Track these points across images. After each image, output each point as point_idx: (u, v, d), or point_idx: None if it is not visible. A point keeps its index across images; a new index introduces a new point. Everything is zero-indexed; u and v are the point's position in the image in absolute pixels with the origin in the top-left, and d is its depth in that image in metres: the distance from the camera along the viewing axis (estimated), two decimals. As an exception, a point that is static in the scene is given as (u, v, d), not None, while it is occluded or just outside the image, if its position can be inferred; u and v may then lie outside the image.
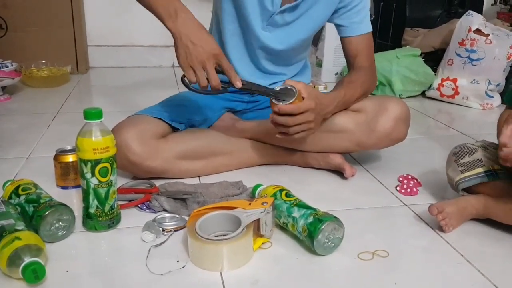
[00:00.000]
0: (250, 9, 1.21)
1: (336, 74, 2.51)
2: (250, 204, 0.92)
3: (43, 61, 2.33)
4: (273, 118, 1.08)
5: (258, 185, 1.07)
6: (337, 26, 1.29)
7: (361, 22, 1.27)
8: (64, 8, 2.42)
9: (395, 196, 1.18)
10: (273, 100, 1.06)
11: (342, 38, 1.30)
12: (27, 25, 2.38)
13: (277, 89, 1.07)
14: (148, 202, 1.07)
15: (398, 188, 1.21)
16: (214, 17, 1.35)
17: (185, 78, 1.07)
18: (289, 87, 1.06)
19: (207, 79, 1.04)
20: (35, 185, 1.02)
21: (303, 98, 1.06)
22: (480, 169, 1.04)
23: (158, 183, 1.15)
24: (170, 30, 1.05)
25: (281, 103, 1.05)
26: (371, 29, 1.29)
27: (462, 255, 0.92)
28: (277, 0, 1.20)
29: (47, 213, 0.90)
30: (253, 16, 1.22)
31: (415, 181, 1.23)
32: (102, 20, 2.64)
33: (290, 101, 1.05)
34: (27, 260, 0.77)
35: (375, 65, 1.33)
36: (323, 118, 1.16)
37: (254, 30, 1.24)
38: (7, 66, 2.00)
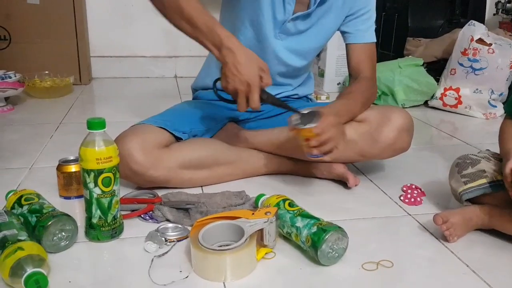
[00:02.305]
0: (266, 16, 1.22)
1: (339, 84, 2.51)
2: (253, 214, 0.92)
3: (46, 72, 2.34)
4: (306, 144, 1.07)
5: (261, 195, 1.07)
6: (343, 33, 1.31)
7: (366, 31, 1.30)
8: (67, 19, 2.43)
9: (399, 206, 1.18)
10: (297, 123, 1.07)
11: (346, 46, 1.32)
12: (30, 36, 2.40)
13: (305, 112, 1.08)
14: (150, 212, 1.07)
15: (402, 198, 1.20)
16: (226, 26, 1.34)
17: (217, 83, 1.08)
18: (315, 111, 1.07)
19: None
20: (38, 195, 1.01)
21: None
22: (484, 180, 1.03)
23: (161, 193, 1.15)
24: (218, 59, 1.07)
25: (303, 126, 1.06)
26: (375, 40, 1.32)
27: (467, 265, 0.91)
28: (289, 7, 1.21)
29: (49, 223, 0.90)
30: (267, 24, 1.24)
31: (419, 190, 1.22)
32: (105, 31, 2.65)
33: (313, 125, 1.05)
34: (29, 270, 0.77)
35: (376, 76, 1.34)
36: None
37: (267, 38, 1.25)
38: (10, 77, 2.01)
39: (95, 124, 0.90)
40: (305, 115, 1.08)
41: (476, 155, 1.09)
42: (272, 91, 1.30)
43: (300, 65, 1.33)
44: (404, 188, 1.24)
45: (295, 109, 1.11)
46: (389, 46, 2.70)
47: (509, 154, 0.97)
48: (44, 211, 0.94)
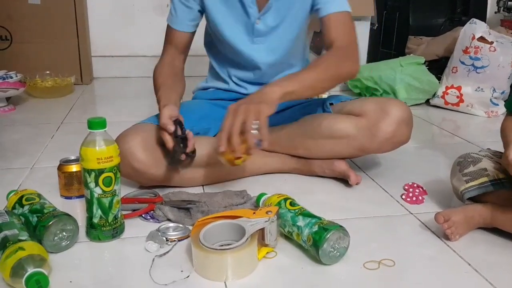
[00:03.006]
0: (233, 30, 1.27)
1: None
2: (254, 213, 0.91)
3: (47, 71, 2.34)
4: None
5: (262, 194, 1.07)
6: (315, 11, 1.27)
7: (330, 2, 1.23)
8: (68, 19, 2.43)
9: (401, 204, 1.17)
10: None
11: (320, 23, 1.26)
12: (32, 36, 2.40)
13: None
14: (151, 211, 1.07)
15: (403, 197, 1.20)
16: (212, 48, 1.41)
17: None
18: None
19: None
20: (39, 195, 1.01)
21: None
22: (485, 179, 1.03)
23: (162, 192, 1.15)
24: None
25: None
26: (345, 9, 1.24)
27: (469, 264, 0.91)
28: (251, 10, 1.24)
29: (50, 223, 0.90)
30: (237, 36, 1.27)
31: (421, 189, 1.22)
32: (106, 31, 2.66)
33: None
34: (30, 270, 0.77)
35: (354, 46, 1.24)
36: (279, 98, 1.07)
37: (245, 46, 1.28)
38: (11, 77, 2.01)
39: (96, 123, 0.90)
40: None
41: (477, 154, 1.09)
42: None
43: (286, 58, 1.33)
44: (406, 187, 1.23)
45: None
46: (391, 44, 2.70)
47: (508, 145, 0.96)
48: (45, 211, 0.94)
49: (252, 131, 0.99)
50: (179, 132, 1.12)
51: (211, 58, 1.43)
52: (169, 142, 1.11)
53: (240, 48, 1.29)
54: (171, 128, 1.10)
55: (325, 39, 1.25)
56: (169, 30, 1.33)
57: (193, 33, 1.34)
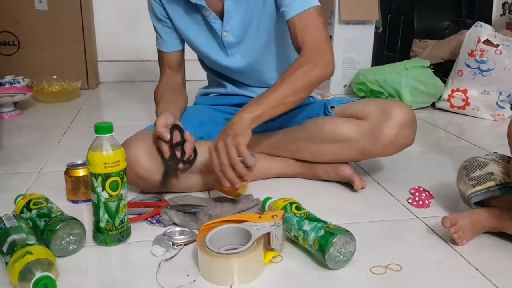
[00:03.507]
0: (207, 51, 1.30)
1: (345, 86, 2.50)
2: (260, 217, 0.91)
3: (54, 76, 2.36)
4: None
5: (268, 198, 1.07)
6: (281, 14, 1.21)
7: (292, 2, 1.16)
8: (74, 25, 2.45)
9: (407, 208, 1.17)
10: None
11: (287, 25, 1.19)
12: (39, 42, 2.42)
13: None
14: (157, 215, 1.07)
15: (410, 201, 1.20)
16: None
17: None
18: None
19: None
20: (46, 200, 1.02)
21: None
22: (492, 183, 1.03)
23: (167, 196, 1.15)
24: None
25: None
26: (310, 5, 1.15)
27: (476, 269, 0.91)
28: (215, 25, 1.25)
29: (58, 227, 0.90)
30: (212, 52, 1.30)
31: (427, 193, 1.22)
32: (112, 36, 2.67)
33: None
34: (38, 274, 0.77)
35: (322, 46, 1.16)
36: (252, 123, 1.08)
37: (222, 61, 1.30)
38: (19, 82, 2.02)
39: (103, 128, 0.91)
40: None
41: (484, 158, 1.08)
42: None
43: (269, 62, 1.34)
44: (412, 191, 1.23)
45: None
46: (395, 48, 2.70)
47: None
48: (53, 215, 0.95)
49: (239, 163, 1.03)
50: (178, 138, 1.13)
51: (203, 66, 1.45)
52: (166, 152, 1.12)
53: (218, 61, 1.31)
54: (167, 136, 1.11)
55: (294, 45, 1.19)
56: (160, 53, 1.38)
57: (183, 49, 1.37)
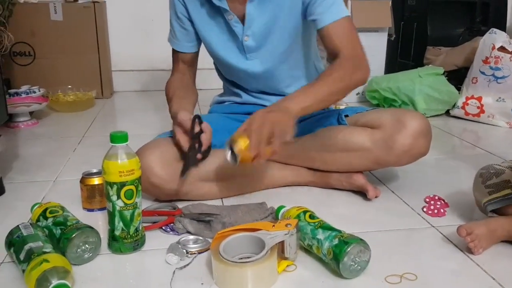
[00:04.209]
0: (225, 54, 1.30)
1: (358, 94, 2.50)
2: (273, 226, 0.91)
3: (69, 86, 2.38)
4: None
5: (281, 207, 1.07)
6: (312, 22, 1.23)
7: (327, 10, 1.19)
8: (89, 35, 2.48)
9: (422, 217, 1.16)
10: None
11: (319, 33, 1.23)
12: (54, 52, 2.45)
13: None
14: (171, 224, 1.07)
15: (424, 209, 1.18)
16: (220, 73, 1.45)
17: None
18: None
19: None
20: (62, 208, 1.03)
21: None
22: (509, 190, 1.01)
23: (181, 205, 1.16)
24: None
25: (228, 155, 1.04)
26: (342, 15, 1.19)
27: (493, 278, 0.89)
28: (237, 29, 1.25)
29: (74, 235, 0.91)
30: (231, 56, 1.29)
31: (442, 202, 1.21)
32: (126, 46, 2.71)
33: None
34: (54, 282, 0.78)
35: (360, 52, 1.21)
36: (291, 116, 1.06)
37: (237, 66, 1.30)
38: (34, 92, 2.06)
39: (118, 137, 0.92)
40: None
41: (500, 165, 1.07)
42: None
43: (286, 70, 1.33)
44: (427, 199, 1.22)
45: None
46: (409, 55, 2.68)
47: None
48: (68, 223, 0.95)
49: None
50: (198, 128, 1.14)
51: (219, 74, 1.46)
52: (185, 142, 1.12)
53: (237, 65, 1.31)
54: (188, 123, 1.12)
55: (328, 51, 1.22)
56: (173, 51, 1.38)
57: (196, 53, 1.37)
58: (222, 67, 1.40)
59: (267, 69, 1.30)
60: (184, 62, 1.37)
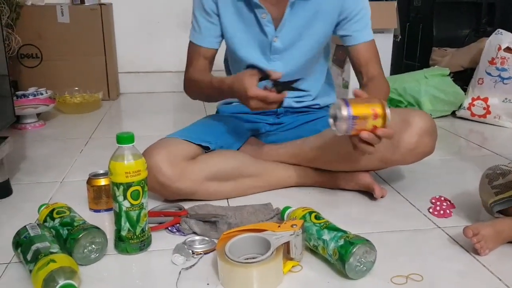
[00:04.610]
0: (247, 53, 1.30)
1: (363, 95, 2.49)
2: (279, 226, 0.92)
3: (76, 88, 2.40)
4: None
5: (287, 208, 1.07)
6: (341, 36, 1.32)
7: (363, 30, 1.30)
8: (96, 37, 2.50)
9: (428, 218, 1.16)
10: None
11: (348, 48, 1.32)
12: (61, 54, 2.47)
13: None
14: (177, 224, 1.08)
15: (430, 210, 1.18)
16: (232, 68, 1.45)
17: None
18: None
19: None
20: (69, 209, 1.04)
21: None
22: (515, 191, 1.01)
23: (187, 205, 1.16)
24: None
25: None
26: (372, 37, 1.32)
27: (500, 279, 0.89)
28: (268, 29, 1.26)
29: (80, 236, 0.92)
30: (253, 55, 1.30)
31: (448, 202, 1.20)
32: (132, 48, 2.72)
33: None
34: (61, 282, 0.79)
35: (382, 71, 1.33)
36: None
37: (258, 66, 1.27)
38: (42, 94, 2.07)
39: (124, 138, 0.92)
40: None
41: (506, 166, 1.07)
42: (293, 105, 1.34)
43: (303, 75, 1.33)
44: (433, 200, 1.22)
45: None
46: (414, 56, 2.68)
47: None
48: (75, 224, 0.96)
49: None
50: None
51: (228, 73, 1.46)
52: (272, 75, 1.12)
53: (256, 65, 1.28)
54: (278, 74, 1.12)
55: (360, 66, 1.31)
56: (193, 46, 1.35)
57: (217, 50, 1.36)
58: (238, 65, 1.37)
59: (288, 73, 1.30)
60: (206, 58, 1.34)
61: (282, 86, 1.11)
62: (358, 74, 1.34)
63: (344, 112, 0.97)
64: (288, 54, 1.30)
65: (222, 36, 1.34)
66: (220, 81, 1.23)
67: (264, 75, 1.12)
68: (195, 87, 1.34)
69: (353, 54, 1.31)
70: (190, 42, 1.36)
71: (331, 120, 1.02)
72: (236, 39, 1.30)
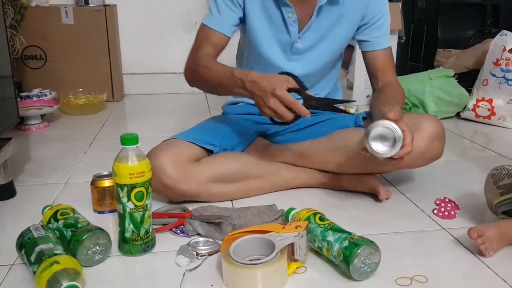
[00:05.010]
0: (268, 49, 1.29)
1: (368, 96, 2.49)
2: (283, 227, 0.91)
3: (80, 89, 2.40)
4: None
5: (291, 209, 1.07)
6: (360, 41, 1.33)
7: (383, 37, 1.31)
8: (100, 39, 2.51)
9: (432, 219, 1.15)
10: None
11: (365, 53, 1.33)
12: (65, 56, 2.48)
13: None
14: (182, 226, 1.08)
15: (435, 212, 1.18)
16: (243, 65, 1.42)
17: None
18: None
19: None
20: (73, 210, 1.04)
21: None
22: (521, 191, 1.00)
23: (191, 207, 1.16)
24: (249, 97, 1.11)
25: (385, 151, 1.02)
26: (390, 44, 1.33)
27: (504, 281, 0.89)
28: (293, 29, 1.25)
29: (84, 237, 0.92)
30: (273, 52, 1.29)
31: (453, 204, 1.20)
32: (136, 49, 2.72)
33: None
34: (65, 284, 0.79)
35: (396, 77, 1.35)
36: None
37: (277, 64, 1.29)
38: (46, 95, 2.08)
39: (129, 139, 0.93)
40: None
41: (512, 167, 1.06)
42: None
43: (317, 77, 1.35)
44: (438, 202, 1.21)
45: (348, 112, 1.16)
46: (419, 57, 2.67)
47: None
48: (79, 225, 0.96)
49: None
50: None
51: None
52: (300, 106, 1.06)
53: (276, 63, 1.30)
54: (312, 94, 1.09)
55: (376, 72, 1.32)
56: (206, 30, 1.28)
57: (227, 41, 1.30)
58: (254, 62, 1.34)
59: (305, 74, 1.29)
60: (215, 45, 1.27)
61: (318, 102, 1.08)
62: (373, 78, 1.34)
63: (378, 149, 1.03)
64: (308, 55, 1.30)
65: (238, 27, 1.31)
66: (240, 71, 1.14)
67: (297, 89, 1.08)
68: (200, 72, 1.24)
69: (370, 59, 1.33)
70: (203, 25, 1.29)
71: (378, 144, 1.03)
72: (258, 33, 1.29)
